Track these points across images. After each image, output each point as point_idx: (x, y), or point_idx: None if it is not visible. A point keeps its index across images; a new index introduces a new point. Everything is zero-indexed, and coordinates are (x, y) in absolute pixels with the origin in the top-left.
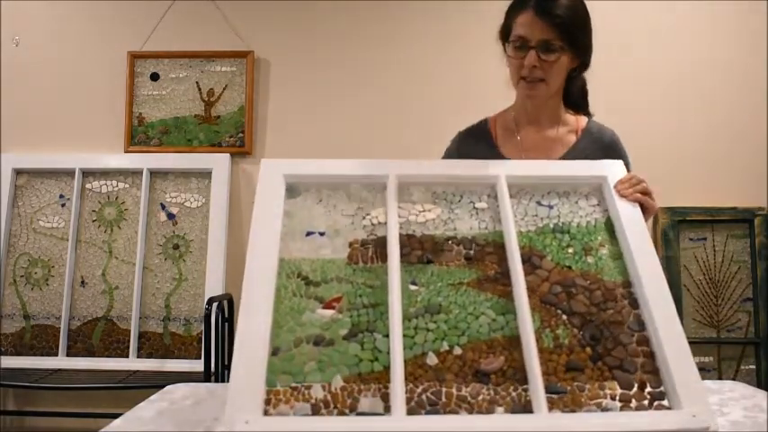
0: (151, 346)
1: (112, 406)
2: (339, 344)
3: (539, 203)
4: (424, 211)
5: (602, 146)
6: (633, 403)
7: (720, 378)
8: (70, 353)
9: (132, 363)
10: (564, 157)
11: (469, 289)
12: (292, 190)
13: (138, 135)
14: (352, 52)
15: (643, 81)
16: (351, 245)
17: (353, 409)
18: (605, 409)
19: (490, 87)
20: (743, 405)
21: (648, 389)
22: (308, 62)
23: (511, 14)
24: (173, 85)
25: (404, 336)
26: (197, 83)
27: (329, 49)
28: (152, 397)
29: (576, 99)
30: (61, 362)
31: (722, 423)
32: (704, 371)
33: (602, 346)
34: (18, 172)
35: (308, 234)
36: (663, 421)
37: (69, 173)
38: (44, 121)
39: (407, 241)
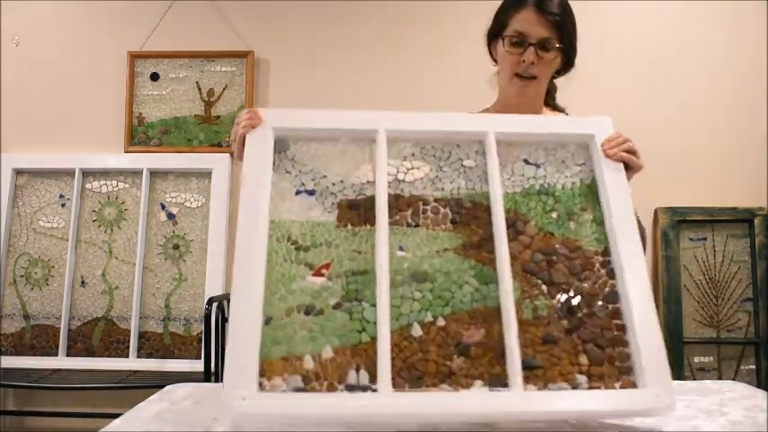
0: (151, 346)
1: (112, 406)
2: (329, 313)
3: (526, 162)
4: (412, 168)
5: None
6: (602, 379)
7: (720, 378)
8: (70, 353)
9: (132, 363)
10: None
11: (454, 255)
12: (282, 142)
13: (138, 135)
14: (352, 52)
15: (642, 81)
16: (339, 205)
17: (342, 381)
18: (575, 386)
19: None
20: (743, 405)
21: (617, 363)
22: (308, 62)
23: (507, 11)
24: (173, 85)
25: (390, 305)
26: (197, 83)
27: (329, 49)
28: (152, 397)
29: (549, 99)
30: (61, 362)
31: (722, 423)
32: (704, 371)
33: (577, 319)
34: (18, 172)
35: (298, 193)
36: (628, 401)
37: (69, 173)
38: (44, 121)
39: (395, 202)
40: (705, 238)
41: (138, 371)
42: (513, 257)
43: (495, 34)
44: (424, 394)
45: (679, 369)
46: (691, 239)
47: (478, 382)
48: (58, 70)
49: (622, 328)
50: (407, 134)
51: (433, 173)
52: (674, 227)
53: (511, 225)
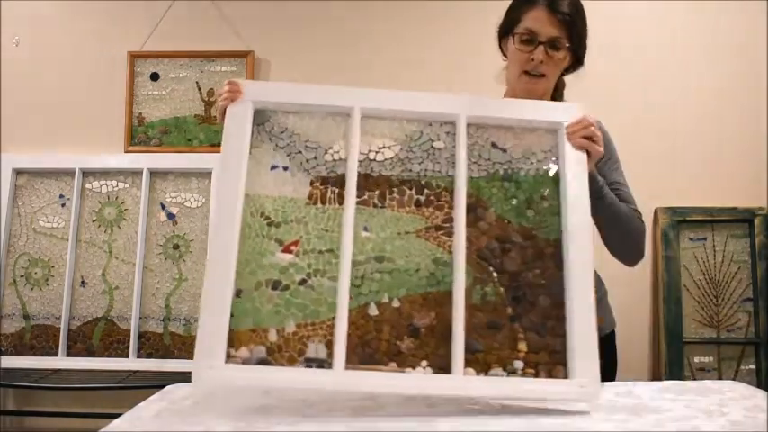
0: (151, 346)
1: (112, 406)
2: (294, 289)
3: (494, 145)
4: (383, 147)
5: None
6: (536, 366)
7: (720, 378)
8: (70, 353)
9: (132, 363)
10: None
11: (415, 238)
12: (260, 114)
13: (138, 135)
14: (353, 52)
15: (642, 81)
16: (312, 183)
17: (302, 354)
18: (512, 372)
19: (497, 90)
20: (743, 405)
21: (553, 352)
22: (308, 62)
23: (518, 9)
24: (173, 85)
25: (351, 285)
26: (197, 83)
27: (329, 49)
28: (152, 397)
29: (558, 96)
30: (61, 362)
31: (722, 423)
32: (704, 371)
33: (522, 307)
34: (18, 172)
35: (273, 168)
36: (557, 391)
37: (69, 173)
38: (44, 121)
39: (364, 182)
40: (705, 238)
41: (138, 371)
42: (470, 242)
43: (505, 31)
44: (373, 373)
45: (679, 369)
46: (691, 239)
47: (424, 363)
48: (58, 70)
49: (562, 319)
50: (382, 112)
51: (404, 153)
52: (674, 227)
53: (471, 210)
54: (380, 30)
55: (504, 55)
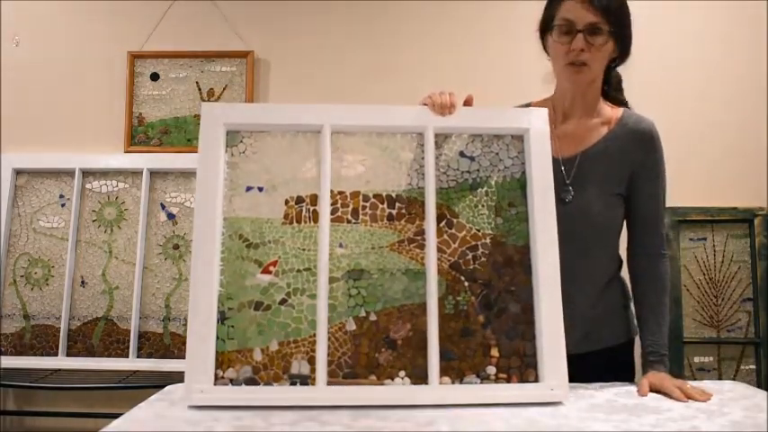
0: (151, 346)
1: (112, 406)
2: (275, 309)
3: (461, 154)
4: (354, 162)
5: (637, 137)
6: (508, 371)
7: (720, 378)
8: (70, 353)
9: (132, 363)
10: (595, 147)
11: (389, 252)
12: (233, 137)
13: (138, 135)
14: (353, 52)
15: (641, 81)
16: (287, 202)
17: (286, 371)
18: (485, 377)
19: (489, 93)
20: (743, 405)
21: (523, 356)
22: (308, 62)
23: (553, 4)
24: (173, 85)
25: (329, 302)
26: (197, 83)
27: (329, 49)
28: (152, 397)
29: (612, 91)
30: (61, 362)
31: (722, 423)
32: (704, 371)
33: (492, 313)
34: (18, 172)
35: (248, 189)
36: (528, 395)
37: (69, 173)
38: (44, 121)
39: (337, 199)
40: (705, 238)
41: (138, 371)
42: (442, 253)
43: (544, 29)
44: (353, 388)
45: (679, 369)
46: (691, 239)
47: (402, 373)
48: (58, 70)
49: (531, 323)
50: (351, 128)
51: (374, 167)
52: (674, 227)
53: (442, 221)
54: (381, 30)
55: (549, 54)
